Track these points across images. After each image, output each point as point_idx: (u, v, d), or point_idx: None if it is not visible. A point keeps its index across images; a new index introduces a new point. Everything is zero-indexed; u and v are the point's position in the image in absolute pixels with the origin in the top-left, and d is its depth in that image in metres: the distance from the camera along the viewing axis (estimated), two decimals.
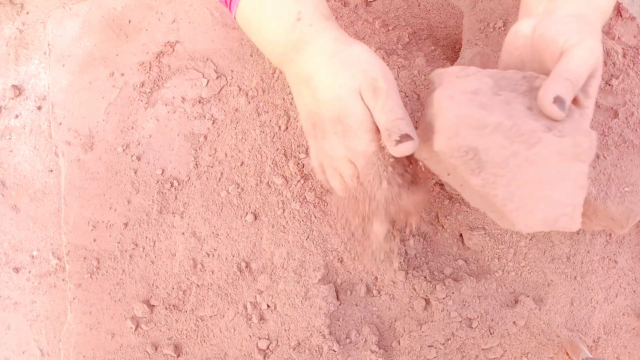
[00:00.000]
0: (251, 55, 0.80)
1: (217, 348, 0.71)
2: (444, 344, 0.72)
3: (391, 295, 0.73)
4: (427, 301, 0.73)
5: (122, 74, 0.79)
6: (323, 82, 0.50)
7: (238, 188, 0.75)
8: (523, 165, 0.45)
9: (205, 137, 0.76)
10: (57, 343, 0.76)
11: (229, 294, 0.72)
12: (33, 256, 0.79)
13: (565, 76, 0.45)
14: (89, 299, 0.72)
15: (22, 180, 0.81)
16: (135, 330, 0.71)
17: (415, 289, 0.73)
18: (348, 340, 0.71)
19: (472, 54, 0.70)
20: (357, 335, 0.72)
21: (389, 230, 0.58)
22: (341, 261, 0.73)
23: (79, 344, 0.71)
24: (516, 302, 0.73)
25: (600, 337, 0.75)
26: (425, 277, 0.73)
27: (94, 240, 0.74)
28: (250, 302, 0.72)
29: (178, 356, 0.71)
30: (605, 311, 0.75)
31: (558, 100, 0.44)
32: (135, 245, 0.74)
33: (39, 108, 0.83)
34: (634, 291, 0.77)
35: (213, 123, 0.77)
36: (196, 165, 0.76)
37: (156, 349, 0.71)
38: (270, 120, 0.77)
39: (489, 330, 0.72)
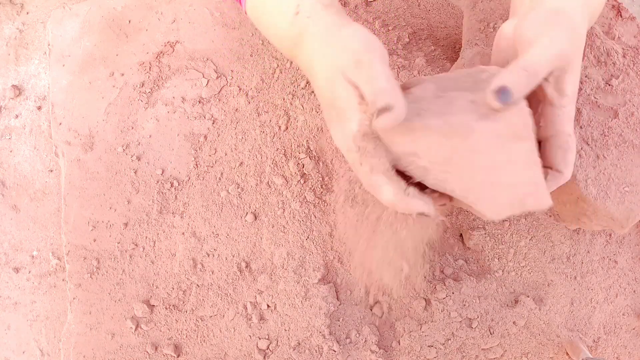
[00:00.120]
0: (251, 55, 0.80)
1: (217, 348, 0.71)
2: (444, 344, 0.72)
3: (391, 295, 0.73)
4: (427, 301, 0.73)
5: (122, 74, 0.79)
6: (317, 69, 0.49)
7: (238, 188, 0.75)
8: (467, 157, 0.44)
9: (205, 137, 0.76)
10: (57, 343, 0.76)
11: (229, 294, 0.72)
12: (33, 256, 0.79)
13: (521, 66, 0.43)
14: (89, 299, 0.72)
15: (22, 180, 0.81)
16: (135, 330, 0.71)
17: (415, 289, 0.73)
18: (348, 340, 0.71)
19: (472, 54, 0.70)
20: (357, 335, 0.72)
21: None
22: (341, 261, 0.73)
23: (79, 344, 0.71)
24: (516, 302, 0.73)
25: (600, 337, 0.75)
26: (425, 277, 0.73)
27: (94, 240, 0.74)
28: (250, 302, 0.72)
29: (178, 356, 0.71)
30: (605, 311, 0.75)
31: (502, 90, 0.42)
32: (135, 245, 0.74)
33: (39, 108, 0.83)
34: (634, 291, 0.77)
35: (213, 123, 0.77)
36: (196, 165, 0.76)
37: (156, 349, 0.71)
38: (270, 120, 0.77)
39: (489, 330, 0.72)
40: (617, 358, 0.76)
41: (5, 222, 0.79)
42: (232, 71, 0.79)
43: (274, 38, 0.55)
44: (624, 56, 0.66)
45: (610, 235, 0.76)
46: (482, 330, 0.72)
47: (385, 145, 0.46)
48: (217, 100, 0.78)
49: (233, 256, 0.73)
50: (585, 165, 0.62)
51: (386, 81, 0.44)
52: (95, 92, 0.78)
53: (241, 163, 0.75)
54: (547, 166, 0.48)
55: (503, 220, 0.74)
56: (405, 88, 0.49)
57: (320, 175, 0.74)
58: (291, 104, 0.77)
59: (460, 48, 0.81)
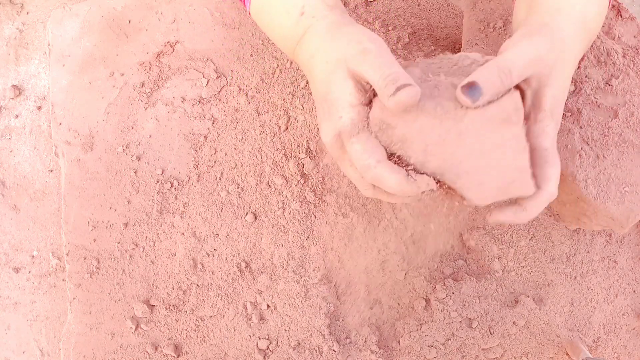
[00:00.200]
0: (251, 55, 0.80)
1: (217, 348, 0.71)
2: (444, 344, 0.72)
3: (391, 295, 0.73)
4: (427, 301, 0.73)
5: (122, 74, 0.79)
6: (316, 64, 0.49)
7: (238, 188, 0.75)
8: (459, 140, 0.44)
9: (205, 137, 0.76)
10: (57, 343, 0.76)
11: (229, 294, 0.72)
12: (33, 256, 0.79)
13: (494, 63, 0.43)
14: (89, 299, 0.72)
15: (22, 180, 0.81)
16: (135, 330, 0.71)
17: (415, 289, 0.73)
18: (348, 340, 0.71)
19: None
20: (357, 335, 0.72)
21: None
22: (341, 261, 0.73)
23: (79, 344, 0.71)
24: (516, 302, 0.73)
25: (600, 337, 0.75)
26: (425, 277, 0.73)
27: (94, 240, 0.74)
28: (250, 302, 0.72)
29: (178, 356, 0.71)
30: (605, 311, 0.75)
31: (471, 86, 0.42)
32: (135, 245, 0.74)
33: (39, 108, 0.83)
34: (634, 291, 0.77)
35: (213, 123, 0.77)
36: (196, 165, 0.76)
37: (156, 349, 0.71)
38: (270, 120, 0.77)
39: (489, 330, 0.72)
40: (617, 358, 0.76)
41: (5, 222, 0.79)
42: (232, 71, 0.79)
43: (277, 38, 0.55)
44: (624, 56, 0.66)
45: (610, 235, 0.76)
46: (482, 330, 0.72)
47: (375, 138, 0.46)
48: (217, 100, 0.78)
49: (233, 256, 0.73)
50: (585, 165, 0.62)
51: (396, 66, 0.44)
52: (95, 92, 0.78)
53: (241, 163, 0.75)
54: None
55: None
56: None
57: (320, 175, 0.74)
58: (291, 104, 0.77)
59: (460, 48, 0.81)
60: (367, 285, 0.73)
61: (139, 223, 0.74)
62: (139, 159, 0.76)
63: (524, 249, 0.74)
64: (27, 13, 0.88)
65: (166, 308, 0.72)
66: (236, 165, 0.75)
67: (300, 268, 0.72)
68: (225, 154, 0.76)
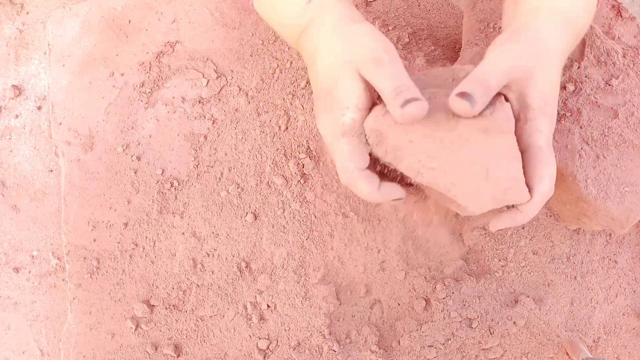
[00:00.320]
0: (251, 55, 0.80)
1: (217, 348, 0.71)
2: (444, 344, 0.72)
3: (391, 295, 0.73)
4: (427, 301, 0.73)
5: (122, 74, 0.79)
6: (321, 56, 0.49)
7: (238, 188, 0.75)
8: (453, 149, 0.45)
9: (205, 137, 0.76)
10: (57, 343, 0.76)
11: (229, 294, 0.72)
12: (33, 256, 0.79)
13: (475, 77, 0.44)
14: (89, 299, 0.72)
15: (22, 180, 0.81)
16: (135, 330, 0.71)
17: (415, 289, 0.73)
18: (348, 340, 0.71)
19: (472, 54, 0.70)
20: (357, 335, 0.72)
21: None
22: (341, 261, 0.73)
23: (79, 344, 0.71)
24: (516, 302, 0.73)
25: (600, 337, 0.75)
26: (425, 277, 0.73)
27: (94, 240, 0.74)
28: (250, 302, 0.72)
29: (178, 356, 0.71)
30: (605, 311, 0.75)
31: (463, 95, 0.42)
32: (135, 245, 0.74)
33: (39, 108, 0.83)
34: (634, 291, 0.77)
35: (213, 123, 0.77)
36: (196, 165, 0.76)
37: (156, 349, 0.71)
38: (270, 120, 0.77)
39: (489, 330, 0.73)
40: (617, 358, 0.76)
41: (5, 222, 0.79)
42: (232, 71, 0.79)
43: (282, 28, 0.55)
44: (624, 56, 0.66)
45: (610, 235, 0.76)
46: (482, 330, 0.72)
47: (365, 145, 0.47)
48: (217, 100, 0.78)
49: (233, 256, 0.73)
50: (585, 165, 0.62)
51: (408, 78, 0.45)
52: (95, 92, 0.78)
53: (241, 163, 0.76)
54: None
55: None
56: None
57: (320, 175, 0.74)
58: (291, 104, 0.77)
59: (460, 48, 0.81)
60: (367, 285, 0.73)
61: (139, 223, 0.74)
62: (139, 159, 0.76)
63: (524, 249, 0.74)
64: (27, 13, 0.88)
65: (166, 308, 0.72)
66: (236, 165, 0.75)
67: (300, 268, 0.72)
68: (225, 154, 0.76)
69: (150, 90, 0.78)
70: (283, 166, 0.75)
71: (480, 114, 0.45)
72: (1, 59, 0.85)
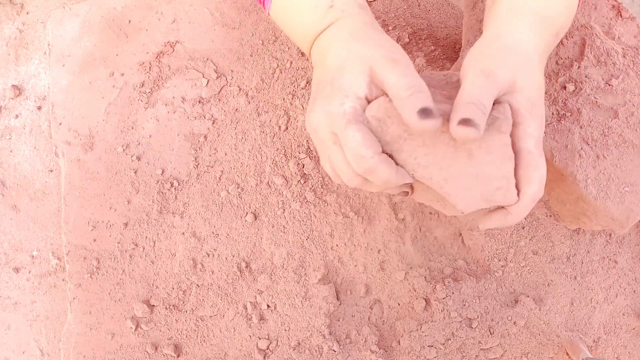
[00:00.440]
0: (251, 55, 0.80)
1: (217, 348, 0.71)
2: (444, 344, 0.72)
3: (391, 295, 0.73)
4: (427, 301, 0.73)
5: (122, 74, 0.79)
6: (334, 52, 0.49)
7: (238, 188, 0.75)
8: (448, 145, 0.45)
9: (205, 137, 0.76)
10: (57, 343, 0.76)
11: (229, 294, 0.72)
12: (33, 256, 0.79)
13: (468, 100, 0.44)
14: (89, 299, 0.72)
15: (22, 180, 0.81)
16: (135, 330, 0.71)
17: (415, 289, 0.73)
18: (348, 340, 0.71)
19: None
20: (357, 335, 0.72)
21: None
22: (341, 261, 0.73)
23: (79, 344, 0.71)
24: (516, 302, 0.73)
25: (600, 337, 0.75)
26: (425, 277, 0.73)
27: (94, 240, 0.74)
28: (250, 302, 0.72)
29: (178, 356, 0.71)
30: (605, 311, 0.75)
31: (466, 122, 0.42)
32: (135, 245, 0.74)
33: (39, 108, 0.83)
34: (634, 291, 0.77)
35: (213, 123, 0.77)
36: (196, 165, 0.76)
37: (156, 349, 0.71)
38: (270, 120, 0.77)
39: (489, 330, 0.72)
40: (617, 358, 0.76)
41: (5, 222, 0.79)
42: (232, 71, 0.79)
43: (300, 31, 0.55)
44: (624, 56, 0.66)
45: (610, 235, 0.76)
46: (482, 330, 0.72)
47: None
48: (217, 100, 0.78)
49: (233, 256, 0.73)
50: (585, 165, 0.62)
51: (422, 81, 0.45)
52: (95, 92, 0.78)
53: (241, 163, 0.76)
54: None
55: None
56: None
57: (320, 175, 0.74)
58: (291, 104, 0.77)
59: (460, 48, 0.81)
60: (367, 285, 0.73)
61: (139, 223, 0.74)
62: (139, 159, 0.76)
63: (524, 249, 0.74)
64: (27, 13, 0.88)
65: (166, 308, 0.72)
66: (236, 165, 0.75)
67: (300, 268, 0.72)
68: (225, 154, 0.76)
69: (150, 90, 0.78)
70: (283, 166, 0.75)
71: None
72: (1, 59, 0.85)
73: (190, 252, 0.73)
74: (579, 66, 0.66)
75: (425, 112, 0.43)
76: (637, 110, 0.64)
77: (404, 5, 0.86)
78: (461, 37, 0.78)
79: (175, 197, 0.75)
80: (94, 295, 0.72)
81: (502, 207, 0.48)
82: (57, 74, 0.79)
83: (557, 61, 0.66)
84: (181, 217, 0.74)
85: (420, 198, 0.52)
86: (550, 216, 0.74)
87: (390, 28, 0.83)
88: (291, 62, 0.79)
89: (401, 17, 0.85)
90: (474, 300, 0.72)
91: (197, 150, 0.76)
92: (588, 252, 0.75)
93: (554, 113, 0.65)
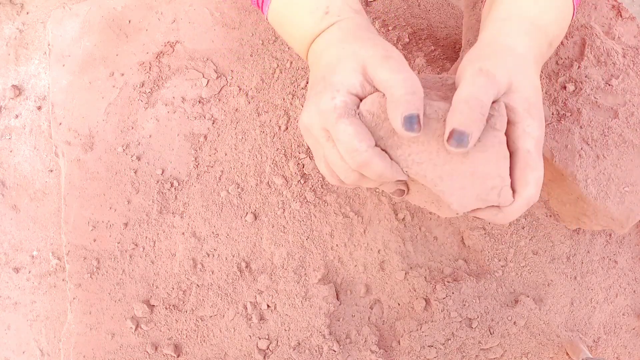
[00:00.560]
0: (251, 55, 0.80)
1: (217, 348, 0.71)
2: (444, 344, 0.72)
3: (391, 295, 0.73)
4: (427, 301, 0.73)
5: (122, 74, 0.79)
6: (329, 51, 0.49)
7: (238, 188, 0.75)
8: (443, 142, 0.45)
9: (205, 137, 0.76)
10: (57, 343, 0.76)
11: (229, 294, 0.72)
12: (33, 256, 0.79)
13: (467, 105, 0.43)
14: (89, 299, 0.72)
15: (22, 180, 0.81)
16: (135, 330, 0.71)
17: (415, 289, 0.73)
18: (348, 340, 0.71)
19: None
20: (357, 335, 0.72)
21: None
22: (341, 261, 0.73)
23: (79, 344, 0.71)
24: (516, 302, 0.73)
25: (600, 337, 0.75)
26: (425, 277, 0.73)
27: (94, 240, 0.74)
28: (250, 302, 0.72)
29: (178, 356, 0.71)
30: (605, 311, 0.75)
31: (454, 134, 0.42)
32: (135, 245, 0.74)
33: (39, 108, 0.83)
34: (634, 291, 0.77)
35: (213, 123, 0.77)
36: (196, 165, 0.76)
37: (156, 349, 0.71)
38: (270, 120, 0.77)
39: (489, 330, 0.73)
40: (617, 358, 0.76)
41: (5, 222, 0.79)
42: (232, 71, 0.79)
43: (297, 36, 0.55)
44: (624, 56, 0.66)
45: (610, 235, 0.76)
46: (482, 330, 0.72)
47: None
48: (217, 100, 0.78)
49: (233, 256, 0.73)
50: (585, 165, 0.62)
51: (415, 77, 0.45)
52: (95, 92, 0.78)
53: (241, 163, 0.76)
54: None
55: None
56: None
57: (320, 175, 0.74)
58: (291, 104, 0.77)
59: (460, 48, 0.81)
60: (367, 285, 0.73)
61: (139, 223, 0.74)
62: (139, 159, 0.76)
63: (524, 249, 0.74)
64: (27, 13, 0.88)
65: (166, 308, 0.72)
66: (236, 165, 0.75)
67: (300, 268, 0.72)
68: (225, 154, 0.76)
69: (150, 90, 0.78)
70: (283, 166, 0.75)
71: None
72: (1, 59, 0.85)
73: (190, 252, 0.73)
74: (579, 66, 0.66)
75: (410, 120, 0.42)
76: (637, 110, 0.64)
77: (404, 5, 0.86)
78: (461, 37, 0.78)
79: (175, 197, 0.75)
80: (94, 295, 0.72)
81: (496, 206, 0.47)
82: (57, 74, 0.79)
83: (557, 61, 0.66)
84: (181, 217, 0.74)
85: (415, 199, 0.51)
86: (550, 216, 0.74)
87: (390, 28, 0.83)
88: (291, 62, 0.79)
89: (401, 17, 0.85)
90: (474, 300, 0.72)
91: (197, 150, 0.76)
92: (588, 252, 0.75)
93: (554, 113, 0.65)
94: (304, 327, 0.71)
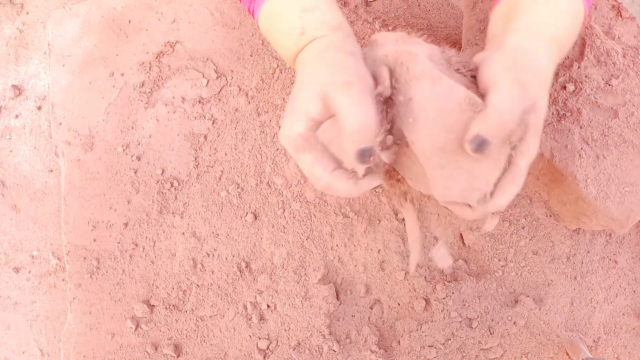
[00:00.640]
0: (251, 55, 0.80)
1: (217, 348, 0.71)
2: (444, 344, 0.72)
3: (391, 295, 0.73)
4: (427, 301, 0.73)
5: (122, 74, 0.79)
6: (301, 73, 0.51)
7: (238, 188, 0.75)
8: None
9: (205, 137, 0.76)
10: (57, 343, 0.76)
11: (229, 294, 0.72)
12: (33, 256, 0.79)
13: (493, 121, 0.44)
14: (89, 299, 0.72)
15: (22, 180, 0.81)
16: (135, 330, 0.71)
17: (415, 289, 0.73)
18: (348, 340, 0.71)
19: (472, 54, 0.70)
20: (357, 335, 0.72)
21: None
22: (341, 261, 0.73)
23: (79, 344, 0.71)
24: (516, 302, 0.73)
25: (600, 337, 0.75)
26: (425, 277, 0.73)
27: (94, 240, 0.74)
28: (250, 302, 0.72)
29: (178, 356, 0.71)
30: (605, 311, 0.75)
31: (478, 139, 0.44)
32: (135, 245, 0.74)
33: (39, 108, 0.83)
34: (634, 291, 0.77)
35: (213, 123, 0.77)
36: (196, 165, 0.76)
37: (156, 349, 0.71)
38: (270, 120, 0.77)
39: (489, 330, 0.72)
40: (617, 358, 0.76)
41: (5, 222, 0.79)
42: (232, 71, 0.79)
43: (281, 54, 0.58)
44: (624, 56, 0.66)
45: (610, 235, 0.76)
46: (482, 330, 0.72)
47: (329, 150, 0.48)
48: (217, 100, 0.78)
49: (233, 256, 0.73)
50: (585, 165, 0.62)
51: (372, 111, 0.46)
52: (95, 92, 0.78)
53: (241, 163, 0.76)
54: None
55: (503, 221, 0.74)
56: (394, 37, 0.52)
57: None
58: None
59: (460, 48, 0.80)
60: (367, 285, 0.73)
61: (139, 223, 0.74)
62: (139, 159, 0.76)
63: (524, 249, 0.74)
64: (27, 13, 0.88)
65: (166, 308, 0.72)
66: (236, 165, 0.75)
67: (300, 268, 0.72)
68: (225, 154, 0.76)
69: (150, 90, 0.78)
70: (283, 166, 0.75)
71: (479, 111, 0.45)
72: (1, 59, 0.85)
73: (190, 252, 0.73)
74: (579, 66, 0.66)
75: (362, 154, 0.45)
76: (637, 110, 0.64)
77: (404, 5, 0.86)
78: (461, 37, 0.78)
79: (175, 197, 0.75)
80: (94, 295, 0.72)
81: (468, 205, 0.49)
82: (57, 74, 0.79)
83: None
84: (181, 217, 0.74)
85: (401, 168, 0.52)
86: (550, 216, 0.74)
87: (390, 28, 0.83)
88: None
89: (401, 17, 0.85)
90: (474, 300, 0.72)
91: (197, 150, 0.76)
92: (588, 252, 0.75)
93: (554, 113, 0.65)
94: (304, 327, 0.71)
